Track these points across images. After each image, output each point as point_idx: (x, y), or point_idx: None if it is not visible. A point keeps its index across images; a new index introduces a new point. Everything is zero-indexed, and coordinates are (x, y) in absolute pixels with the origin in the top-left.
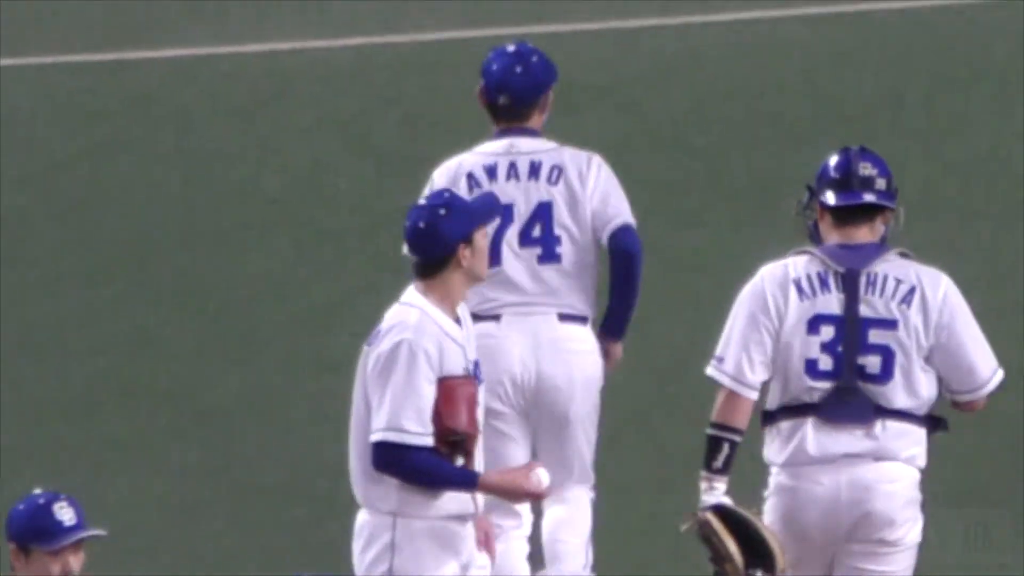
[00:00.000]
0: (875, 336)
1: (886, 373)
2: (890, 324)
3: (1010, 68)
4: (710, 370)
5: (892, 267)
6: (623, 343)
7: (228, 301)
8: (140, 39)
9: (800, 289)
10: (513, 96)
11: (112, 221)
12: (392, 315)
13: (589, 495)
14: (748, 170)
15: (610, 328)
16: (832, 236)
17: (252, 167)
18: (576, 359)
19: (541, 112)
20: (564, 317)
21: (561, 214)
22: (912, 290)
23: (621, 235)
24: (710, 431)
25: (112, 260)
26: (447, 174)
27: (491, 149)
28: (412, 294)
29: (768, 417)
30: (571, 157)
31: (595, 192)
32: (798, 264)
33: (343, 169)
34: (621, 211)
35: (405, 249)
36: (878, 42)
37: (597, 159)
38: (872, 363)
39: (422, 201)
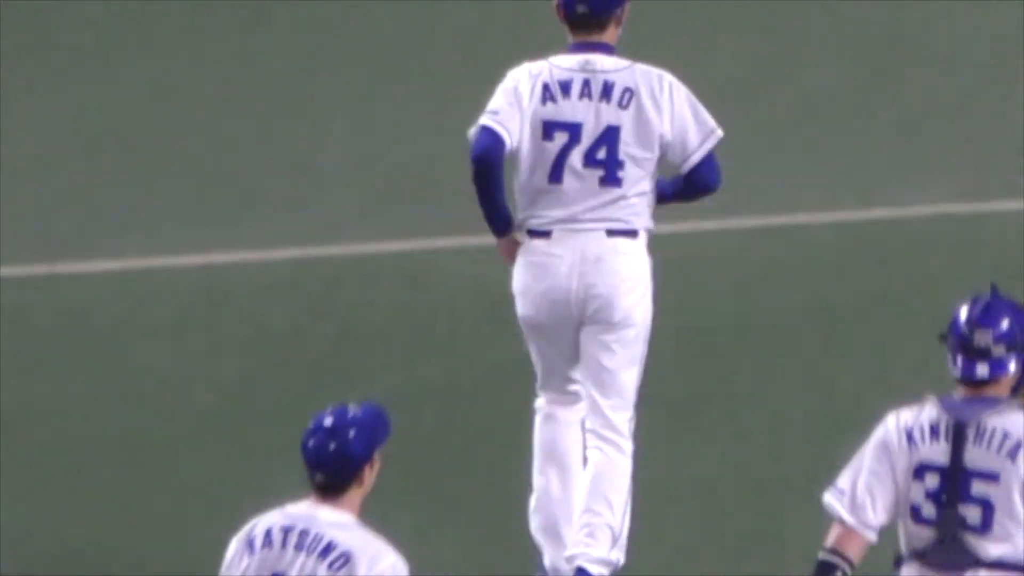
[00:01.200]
0: (977, 488)
1: (985, 525)
2: (992, 477)
3: (945, 282)
4: (828, 498)
5: (1004, 420)
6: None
7: (161, 515)
8: (73, 252)
9: (911, 437)
10: (592, 5)
11: (44, 438)
12: (354, 538)
13: (629, 447)
14: (682, 383)
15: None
16: (959, 390)
17: (185, 381)
18: (619, 266)
19: (617, 25)
20: (612, 232)
21: (628, 139)
22: (1019, 445)
23: (701, 170)
24: (823, 556)
25: (44, 477)
26: (526, 77)
27: (567, 64)
28: (341, 515)
29: (895, 561)
30: (643, 76)
31: (672, 120)
32: (921, 411)
33: (276, 382)
34: (700, 141)
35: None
36: (811, 256)
37: (669, 79)
38: (972, 514)
39: (327, 421)
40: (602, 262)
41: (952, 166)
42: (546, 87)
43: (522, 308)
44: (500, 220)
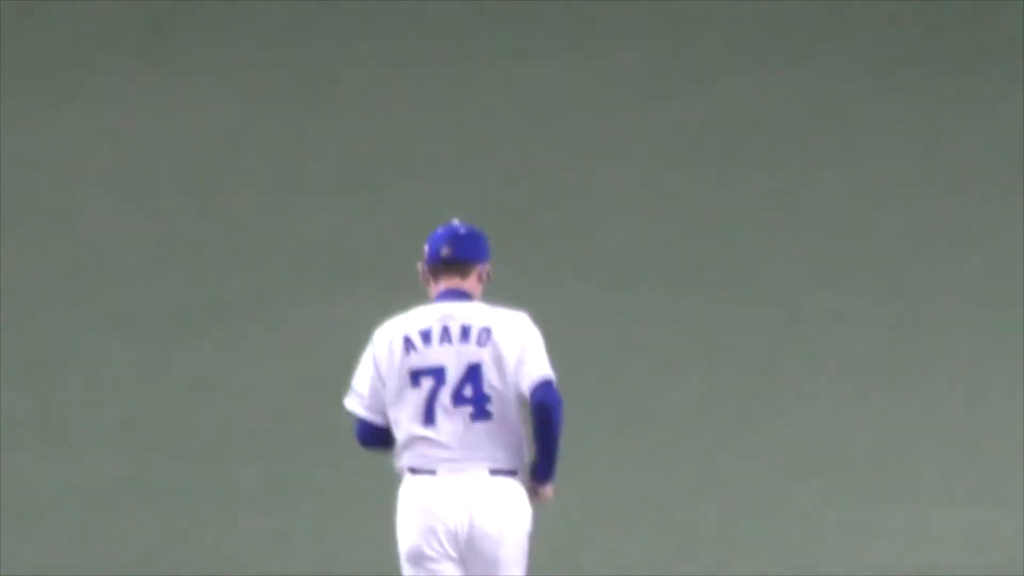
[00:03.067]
0: None
1: None
2: None
3: None
4: None
5: None
6: (552, 483)
7: None
8: None
9: None
10: (455, 250)
11: None
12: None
13: None
14: None
15: (536, 474)
16: None
17: None
18: (505, 510)
19: (479, 280)
20: (495, 472)
21: (490, 374)
22: None
23: (540, 391)
24: None
25: None
26: (383, 342)
27: (427, 316)
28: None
29: None
30: (498, 317)
31: (519, 348)
32: None
33: None
34: (541, 367)
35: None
36: None
37: (524, 318)
38: None
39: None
40: (486, 504)
41: None
42: (407, 340)
43: (406, 542)
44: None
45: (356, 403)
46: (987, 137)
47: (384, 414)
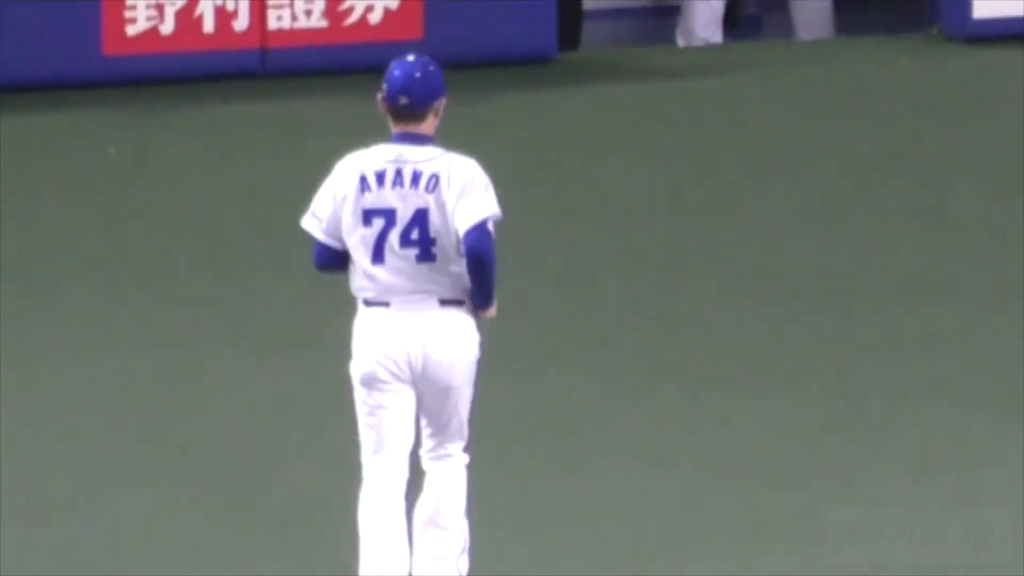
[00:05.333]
0: None
1: None
2: None
3: None
4: None
5: None
6: (492, 305)
7: None
8: None
9: None
10: (412, 97)
11: None
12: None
13: (464, 458)
14: None
15: (475, 303)
16: None
17: None
18: (456, 338)
19: (435, 116)
20: (444, 302)
21: (435, 219)
22: None
23: (469, 236)
24: None
25: None
26: (343, 174)
27: (383, 156)
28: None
29: None
30: (448, 162)
31: (459, 192)
32: None
33: None
34: (475, 211)
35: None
36: None
37: (472, 163)
38: None
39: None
40: (437, 332)
41: None
42: (363, 179)
43: (360, 366)
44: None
45: (315, 226)
46: None
47: (340, 239)
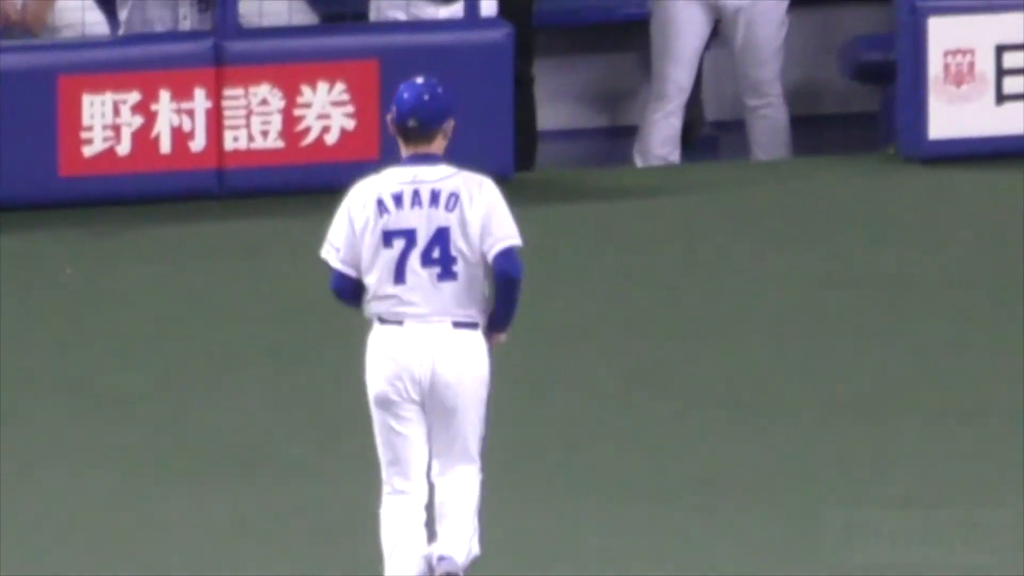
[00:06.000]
0: None
1: None
2: None
3: None
4: None
5: None
6: (506, 332)
7: None
8: None
9: None
10: (421, 120)
11: None
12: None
13: (477, 475)
14: None
15: (493, 325)
16: None
17: None
18: (465, 360)
19: (444, 138)
20: (457, 324)
21: (456, 237)
22: None
23: (502, 259)
24: None
25: None
26: (358, 201)
27: (398, 179)
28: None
29: None
30: (465, 181)
31: (482, 213)
32: None
33: None
34: (504, 234)
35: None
36: None
37: (488, 183)
38: None
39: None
40: (447, 353)
41: None
42: (380, 203)
43: (373, 385)
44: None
45: (332, 255)
46: None
47: (357, 267)
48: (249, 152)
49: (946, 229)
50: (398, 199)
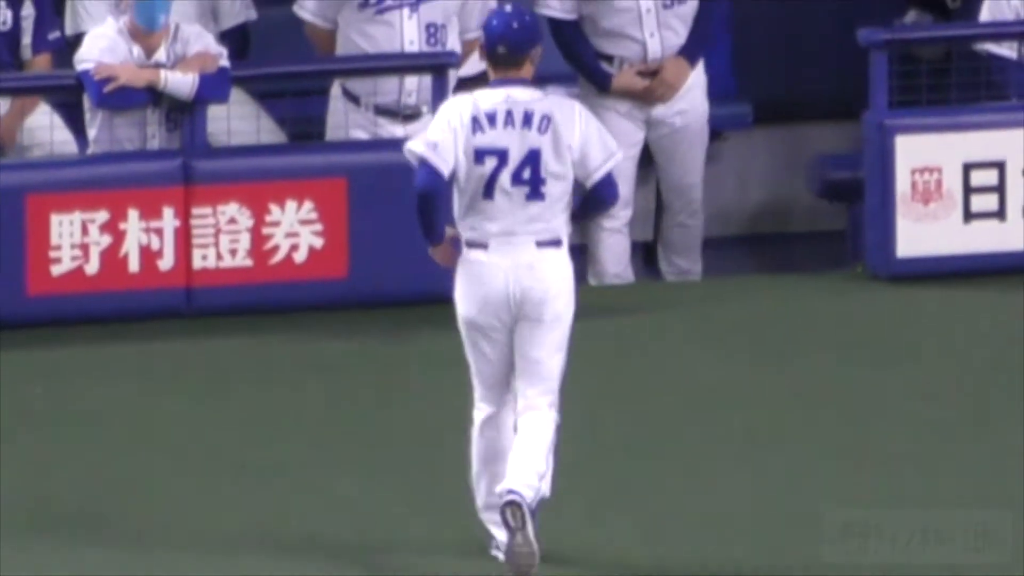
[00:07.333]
0: None
1: None
2: None
3: None
4: None
5: None
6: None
7: None
8: None
9: None
10: (509, 46)
11: None
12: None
13: (554, 417)
14: None
15: (580, 214)
16: None
17: None
18: (548, 274)
19: (532, 63)
20: (541, 243)
21: (548, 159)
22: None
23: (600, 187)
24: None
25: None
26: (457, 112)
27: (492, 99)
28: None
29: None
30: (556, 104)
31: (579, 140)
32: None
33: None
34: (602, 161)
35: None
36: None
37: (579, 106)
38: None
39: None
40: (533, 269)
41: None
42: (475, 119)
43: (464, 310)
44: (437, 236)
45: (427, 149)
46: None
47: (448, 164)
48: (218, 271)
49: (913, 347)
50: (491, 118)
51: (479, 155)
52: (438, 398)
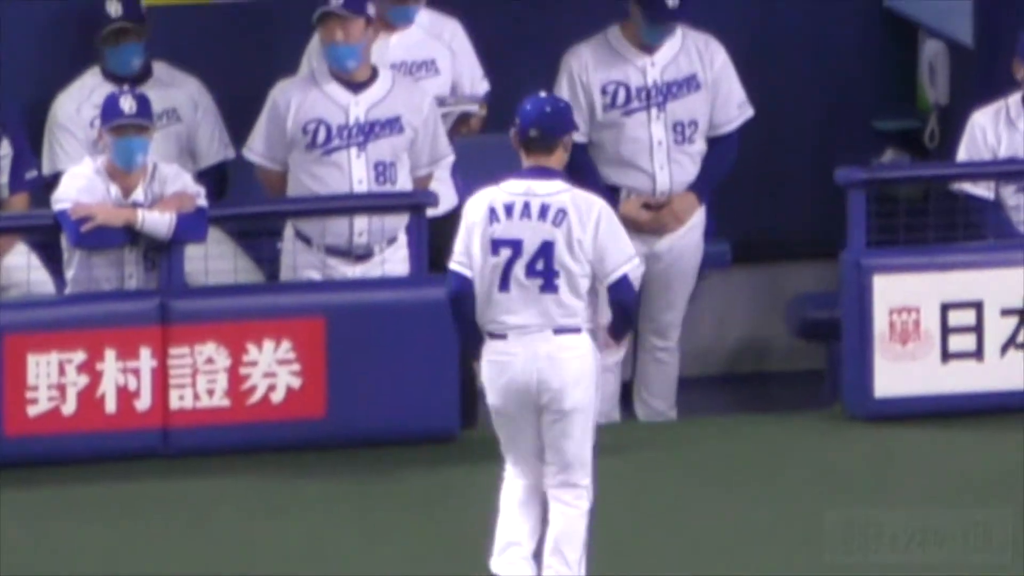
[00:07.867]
0: None
1: None
2: None
3: None
4: None
5: None
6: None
7: None
8: None
9: None
10: (542, 129)
11: None
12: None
13: (587, 499)
14: None
15: (611, 332)
16: None
17: None
18: (566, 364)
19: (564, 151)
20: (558, 331)
21: (561, 252)
22: None
23: (615, 289)
24: None
25: None
26: (473, 210)
27: (513, 190)
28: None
29: None
30: (574, 199)
31: (594, 241)
32: None
33: None
34: (616, 264)
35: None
36: None
37: (599, 205)
38: None
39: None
40: (552, 359)
41: None
42: (492, 210)
43: (490, 398)
44: (474, 345)
45: (454, 261)
46: None
47: (474, 270)
48: (195, 411)
49: (891, 487)
50: (509, 209)
51: (495, 246)
52: (419, 539)
